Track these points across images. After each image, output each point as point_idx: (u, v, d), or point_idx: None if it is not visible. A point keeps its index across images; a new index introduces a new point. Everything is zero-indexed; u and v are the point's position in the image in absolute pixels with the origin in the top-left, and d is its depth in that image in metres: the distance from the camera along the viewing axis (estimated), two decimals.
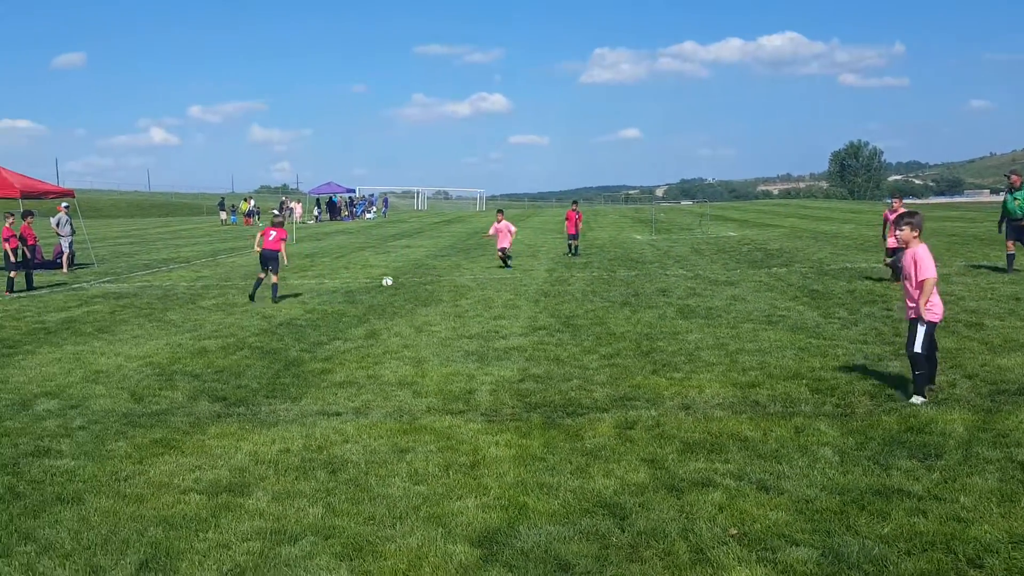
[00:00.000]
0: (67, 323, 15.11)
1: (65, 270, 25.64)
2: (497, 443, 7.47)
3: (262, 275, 17.77)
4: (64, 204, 28.29)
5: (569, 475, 6.67)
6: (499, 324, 13.91)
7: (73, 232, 27.52)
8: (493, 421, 8.23)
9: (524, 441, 7.53)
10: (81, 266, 27.17)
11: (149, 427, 8.30)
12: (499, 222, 24.34)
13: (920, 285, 8.36)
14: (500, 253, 24.22)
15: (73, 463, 7.24)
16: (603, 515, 5.86)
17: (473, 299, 17.11)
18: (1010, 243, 19.01)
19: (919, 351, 8.37)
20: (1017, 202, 18.66)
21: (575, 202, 32.08)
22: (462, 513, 5.93)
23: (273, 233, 17.66)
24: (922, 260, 8.39)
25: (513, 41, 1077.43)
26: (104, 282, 22.32)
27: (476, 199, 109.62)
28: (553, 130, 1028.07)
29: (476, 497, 6.23)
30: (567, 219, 28.65)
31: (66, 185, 45.97)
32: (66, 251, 26.57)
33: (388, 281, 19.44)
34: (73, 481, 6.80)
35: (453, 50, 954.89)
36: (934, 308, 8.45)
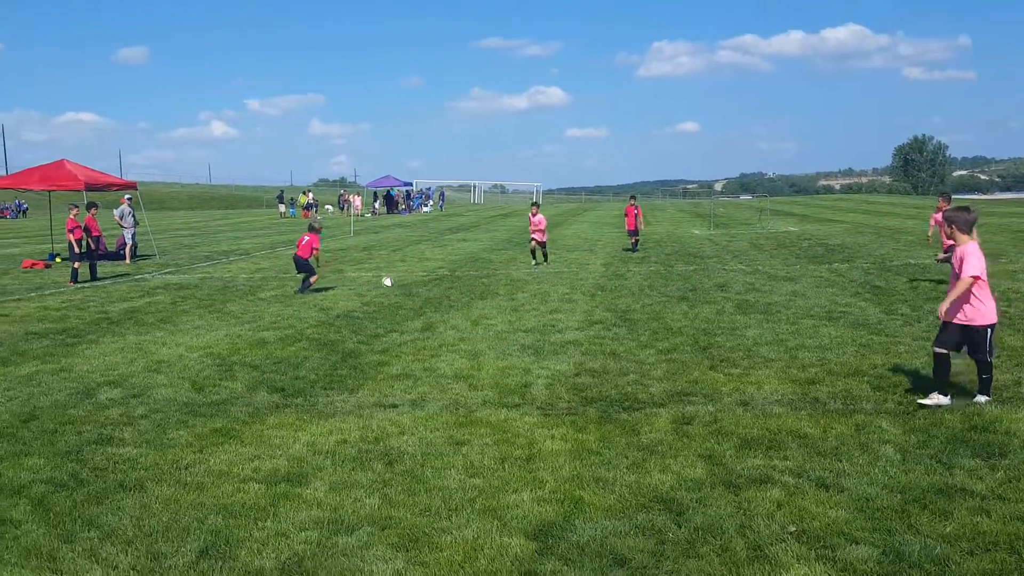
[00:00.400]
0: (130, 313, 15.41)
1: (128, 261, 26.11)
2: (553, 437, 7.48)
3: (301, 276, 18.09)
4: (127, 196, 28.77)
5: (625, 470, 6.66)
6: (555, 318, 13.91)
7: (136, 224, 27.98)
8: (549, 415, 8.24)
9: (580, 435, 7.53)
10: (143, 257, 27.66)
11: (209, 416, 8.45)
12: (534, 215, 23.29)
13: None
14: (534, 246, 23.29)
15: (135, 451, 7.39)
16: (659, 510, 5.84)
17: (529, 293, 17.12)
18: None
19: (990, 359, 8.14)
20: None
21: (633, 196, 30.22)
22: (518, 506, 5.95)
23: (306, 238, 17.87)
24: (968, 257, 8.02)
25: (571, 34, 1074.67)
26: (166, 273, 22.71)
27: (533, 193, 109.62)
28: (611, 123, 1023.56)
29: (532, 490, 6.24)
30: (626, 214, 27.61)
31: (129, 177, 46.89)
32: (129, 243, 27.01)
33: (388, 282, 18.88)
34: (135, 469, 6.94)
35: (510, 43, 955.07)
36: (986, 311, 8.06)
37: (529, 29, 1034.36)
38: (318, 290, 17.82)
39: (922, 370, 9.56)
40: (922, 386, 8.84)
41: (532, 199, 52.32)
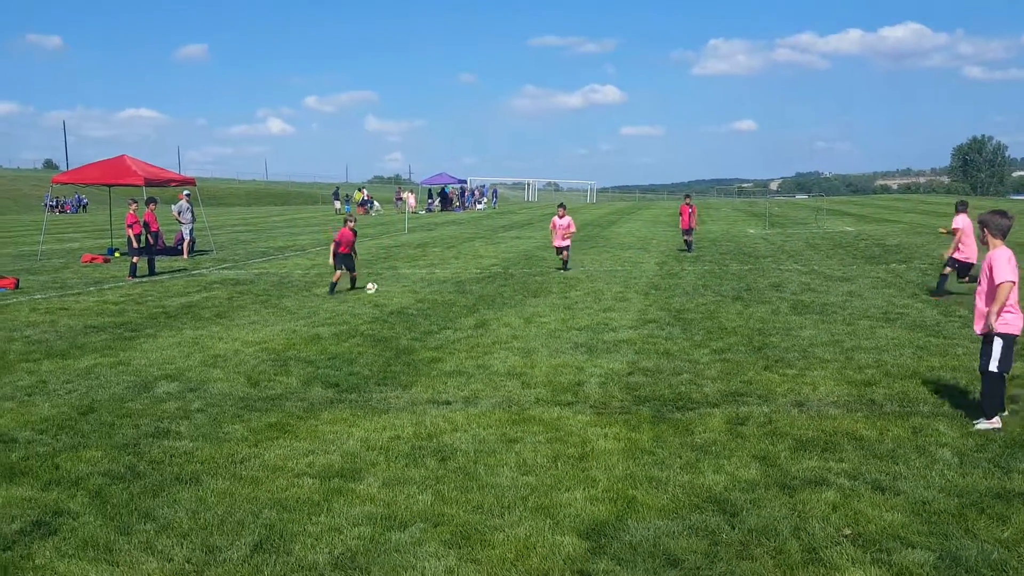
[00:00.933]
0: (187, 308, 15.65)
1: (185, 256, 26.50)
2: (606, 436, 7.50)
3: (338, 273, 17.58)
4: (185, 192, 29.15)
5: (678, 470, 6.66)
6: (608, 316, 13.91)
7: (193, 219, 28.42)
8: (602, 413, 8.26)
9: (633, 434, 7.54)
10: (201, 252, 28.06)
11: (264, 411, 8.57)
12: (561, 217, 21.42)
13: (996, 290, 7.47)
14: (559, 253, 21.77)
15: (191, 444, 7.51)
16: (713, 511, 5.84)
17: (583, 291, 17.13)
18: None
19: (995, 369, 7.46)
20: None
21: (688, 195, 29.63)
22: (570, 505, 5.98)
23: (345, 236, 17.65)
24: (998, 262, 7.48)
25: (626, 32, 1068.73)
26: (222, 268, 23.07)
27: (587, 191, 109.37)
28: (666, 121, 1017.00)
29: (584, 489, 6.27)
30: (681, 213, 26.78)
31: (187, 173, 47.57)
32: (187, 238, 27.40)
33: (372, 287, 17.72)
34: (191, 462, 7.05)
35: (566, 41, 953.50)
36: (1011, 319, 7.50)
37: (584, 27, 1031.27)
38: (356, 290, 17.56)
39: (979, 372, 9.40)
40: (979, 389, 8.70)
41: (586, 197, 51.82)
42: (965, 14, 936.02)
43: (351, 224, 18.00)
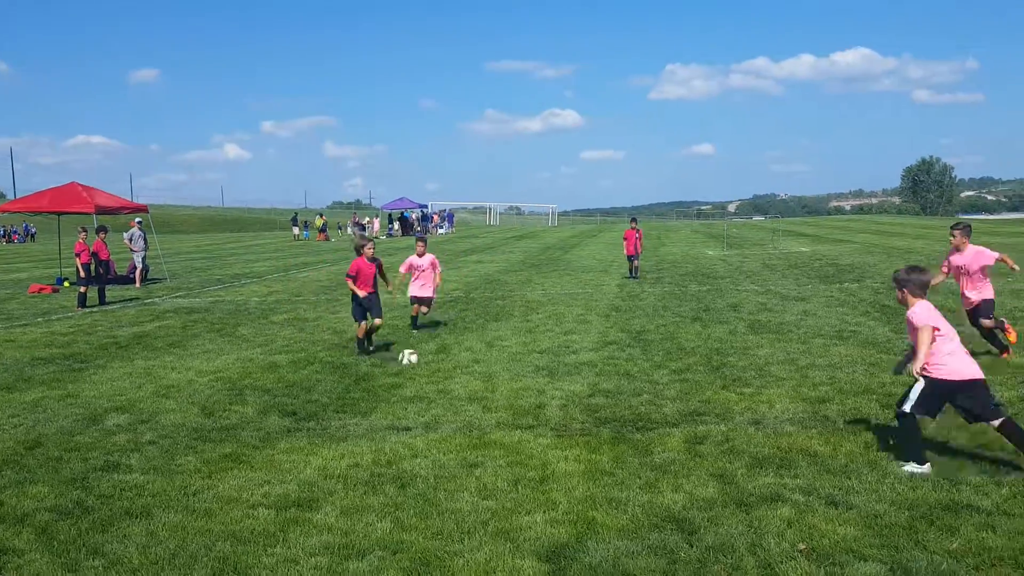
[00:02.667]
0: (139, 338, 15.39)
1: (138, 285, 26.10)
2: (566, 458, 7.56)
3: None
4: (137, 219, 28.77)
5: (638, 490, 6.73)
6: (570, 339, 14.01)
7: (146, 247, 28.01)
8: (563, 436, 8.32)
9: (593, 456, 7.61)
10: (154, 281, 27.66)
11: (219, 442, 8.45)
12: (420, 256, 15.27)
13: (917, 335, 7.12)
14: (416, 304, 15.49)
15: (142, 478, 7.36)
16: (671, 530, 5.91)
17: (544, 314, 17.22)
18: None
19: (906, 410, 7.08)
20: None
21: (634, 219, 27.18)
22: (530, 528, 6.02)
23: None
24: (916, 314, 7.15)
25: (585, 57, 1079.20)
26: (176, 297, 22.77)
27: (548, 214, 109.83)
28: (625, 145, 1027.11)
29: (545, 512, 6.31)
30: (626, 238, 25.25)
31: (140, 200, 47.14)
32: (139, 266, 26.99)
33: (410, 357, 12.15)
34: (142, 496, 6.91)
35: (525, 66, 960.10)
36: (940, 363, 7.02)
37: (543, 52, 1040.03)
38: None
39: None
40: None
41: (547, 220, 51.78)
42: (913, 39, 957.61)
43: (369, 250, 13.39)
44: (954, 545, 5.45)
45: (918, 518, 5.93)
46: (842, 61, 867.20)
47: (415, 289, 15.37)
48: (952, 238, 11.55)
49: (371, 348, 13.27)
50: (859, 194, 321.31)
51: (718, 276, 25.02)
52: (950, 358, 7.01)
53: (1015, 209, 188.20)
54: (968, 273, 11.35)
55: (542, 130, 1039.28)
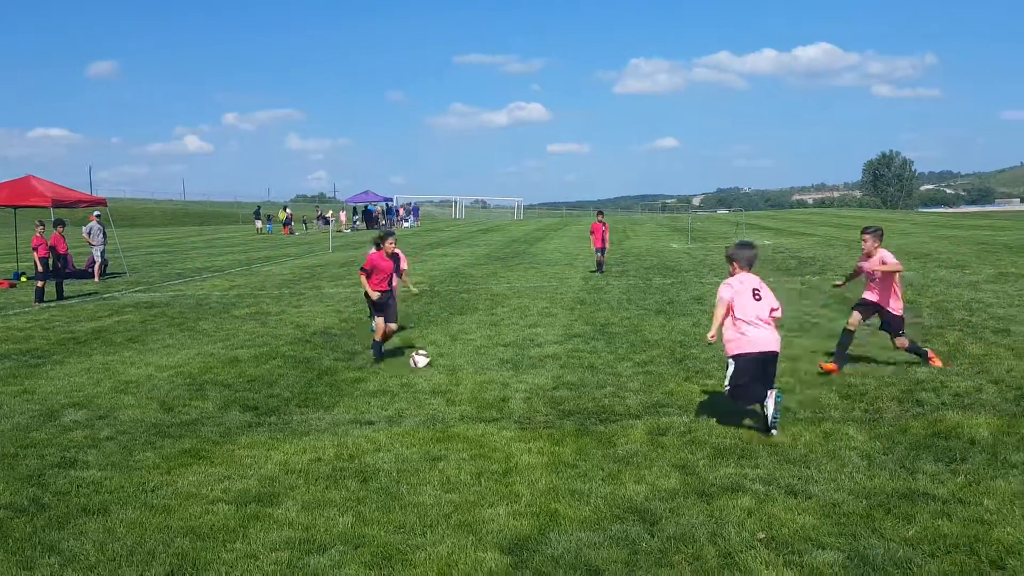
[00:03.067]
0: (97, 333, 15.16)
1: (97, 280, 25.77)
2: (530, 450, 7.57)
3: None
4: (96, 213, 28.40)
5: (601, 481, 6.76)
6: (534, 332, 14.03)
7: (105, 241, 27.67)
8: (526, 428, 8.33)
9: (557, 448, 7.63)
10: (113, 276, 27.30)
11: (178, 437, 8.34)
12: (391, 247, 12.30)
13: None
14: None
15: (100, 474, 7.26)
16: (634, 521, 5.95)
17: (509, 307, 17.23)
18: None
19: (727, 385, 8.16)
20: None
21: (600, 212, 27.32)
22: (493, 520, 6.02)
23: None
24: (721, 288, 8.33)
25: (551, 51, 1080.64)
26: (136, 292, 22.44)
27: (514, 208, 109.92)
28: (591, 138, 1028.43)
29: (507, 504, 6.32)
30: (592, 232, 25.12)
31: (100, 194, 46.59)
32: (98, 260, 26.67)
33: (419, 360, 11.34)
34: (99, 492, 6.81)
35: (493, 59, 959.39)
36: (732, 339, 8.11)
37: (510, 45, 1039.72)
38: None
39: (887, 378, 9.79)
40: (889, 394, 9.07)
41: (513, 214, 51.71)
42: (874, 34, 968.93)
43: (390, 245, 12.11)
44: (910, 533, 5.54)
45: (875, 506, 6.01)
46: (804, 56, 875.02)
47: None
48: (863, 243, 10.61)
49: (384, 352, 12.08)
50: (821, 188, 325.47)
51: (682, 269, 25.18)
52: (741, 334, 7.99)
53: (974, 202, 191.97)
54: (876, 280, 10.48)
55: (508, 124, 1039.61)
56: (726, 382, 8.14)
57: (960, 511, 5.85)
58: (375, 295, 11.79)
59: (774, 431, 7.72)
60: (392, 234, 12.37)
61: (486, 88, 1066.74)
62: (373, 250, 12.04)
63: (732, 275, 8.36)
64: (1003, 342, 11.70)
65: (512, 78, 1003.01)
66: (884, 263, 10.23)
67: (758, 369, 7.93)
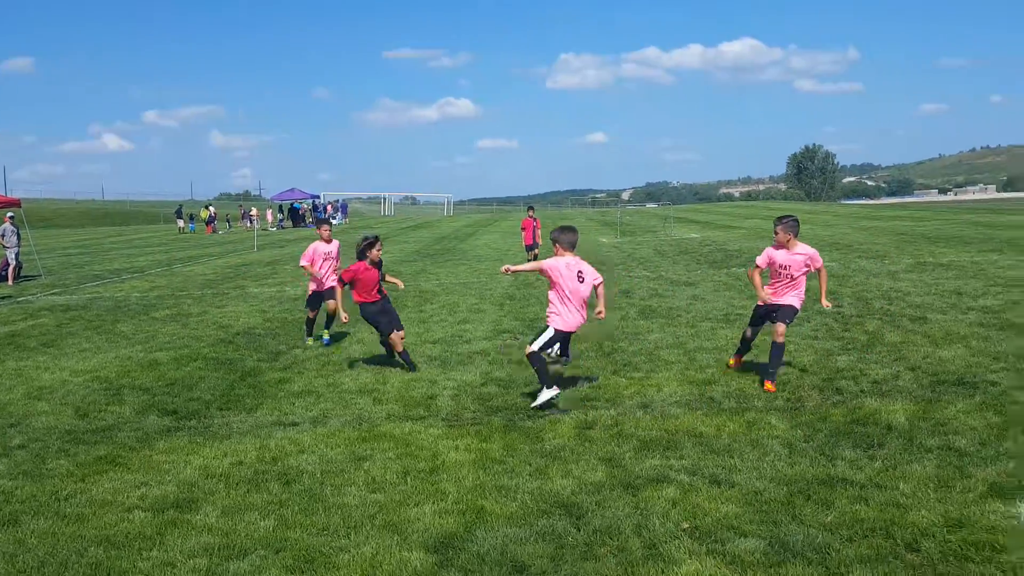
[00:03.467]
0: (9, 338, 14.71)
1: (10, 283, 25.06)
2: (457, 448, 7.54)
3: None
4: (9, 214, 27.60)
5: (528, 477, 6.76)
6: (463, 328, 13.99)
7: (19, 243, 26.93)
8: (454, 426, 8.29)
9: (484, 445, 7.61)
10: (28, 278, 26.54)
11: (93, 444, 8.12)
12: (327, 243, 14.07)
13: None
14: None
15: (10, 483, 7.04)
16: (560, 515, 5.95)
17: (438, 304, 17.16)
18: None
19: (534, 349, 8.95)
20: None
21: (531, 208, 26.70)
22: (419, 519, 5.98)
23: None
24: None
25: (480, 45, 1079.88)
26: (51, 294, 21.82)
27: (444, 204, 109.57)
28: (521, 134, 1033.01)
29: (434, 503, 6.28)
30: (523, 228, 24.80)
31: (14, 195, 45.03)
32: (12, 263, 25.92)
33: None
34: (9, 502, 6.60)
35: (421, 54, 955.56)
36: (555, 312, 9.16)
37: (439, 39, 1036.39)
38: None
39: (808, 367, 9.98)
40: (810, 383, 9.23)
41: (443, 210, 51.51)
42: (797, 30, 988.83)
43: (376, 253, 11.33)
44: (829, 518, 5.64)
45: (796, 493, 6.11)
46: (730, 51, 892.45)
47: (320, 282, 13.32)
48: (775, 234, 9.65)
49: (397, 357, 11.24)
50: (747, 181, 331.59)
51: (612, 263, 25.37)
52: (566, 311, 9.11)
53: (894, 194, 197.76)
54: (792, 275, 9.50)
55: (437, 119, 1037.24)
56: (538, 342, 8.97)
57: (877, 495, 5.98)
58: (369, 305, 11.06)
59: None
60: (377, 239, 11.38)
61: (415, 83, 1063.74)
62: (357, 260, 11.11)
63: (557, 255, 9.31)
64: (920, 330, 12.02)
65: (441, 73, 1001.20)
66: (820, 270, 9.64)
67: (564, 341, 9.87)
